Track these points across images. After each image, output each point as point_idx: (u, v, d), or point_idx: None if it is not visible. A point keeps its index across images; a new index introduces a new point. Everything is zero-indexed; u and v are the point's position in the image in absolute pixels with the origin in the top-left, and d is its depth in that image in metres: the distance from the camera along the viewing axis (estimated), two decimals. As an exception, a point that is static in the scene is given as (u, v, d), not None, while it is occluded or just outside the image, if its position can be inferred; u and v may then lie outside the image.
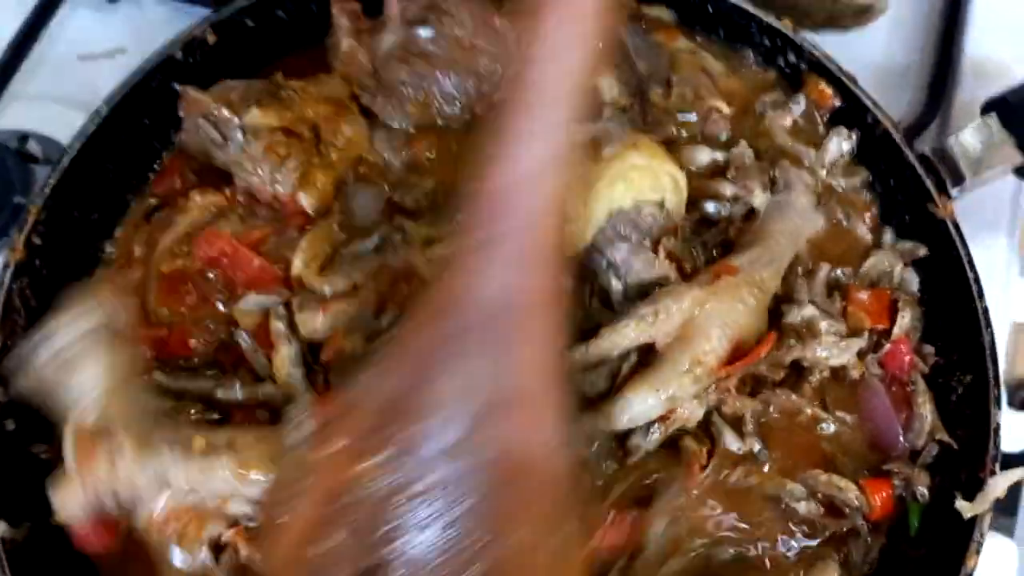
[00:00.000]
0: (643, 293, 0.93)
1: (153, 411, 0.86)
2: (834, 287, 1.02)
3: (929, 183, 0.98)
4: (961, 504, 0.86)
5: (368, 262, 0.94)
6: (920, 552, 0.90)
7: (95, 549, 0.83)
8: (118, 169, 1.06)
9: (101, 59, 1.41)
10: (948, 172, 0.99)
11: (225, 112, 0.98)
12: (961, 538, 0.85)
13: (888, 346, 0.98)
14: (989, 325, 0.91)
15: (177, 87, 1.03)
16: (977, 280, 0.93)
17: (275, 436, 0.85)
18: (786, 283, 0.99)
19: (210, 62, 1.08)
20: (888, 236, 1.06)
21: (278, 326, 0.92)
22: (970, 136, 1.00)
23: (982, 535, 0.84)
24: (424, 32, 1.04)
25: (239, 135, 0.98)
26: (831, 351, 0.95)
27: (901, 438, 0.96)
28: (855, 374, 0.97)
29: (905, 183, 1.01)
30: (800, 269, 1.01)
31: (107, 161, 1.04)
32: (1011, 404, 1.15)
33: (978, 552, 0.83)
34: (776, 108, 1.09)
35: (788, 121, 1.09)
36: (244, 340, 0.95)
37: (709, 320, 0.91)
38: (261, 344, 0.93)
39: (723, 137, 1.08)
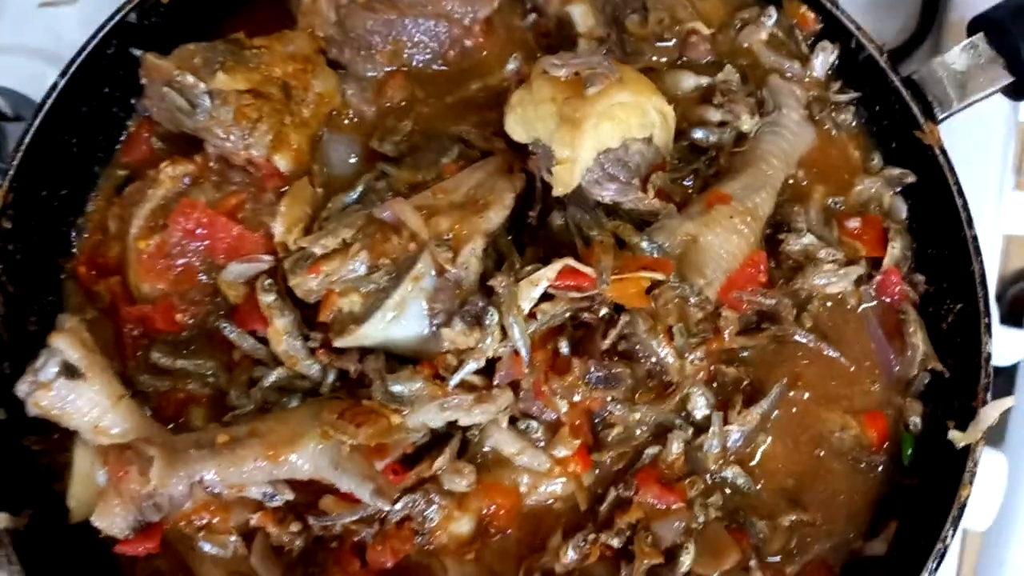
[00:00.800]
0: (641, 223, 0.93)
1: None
2: (829, 215, 1.01)
3: (915, 108, 0.96)
4: (953, 434, 0.87)
5: (354, 215, 0.92)
6: (914, 481, 0.91)
7: (137, 553, 0.83)
8: (82, 142, 1.03)
9: (62, 5, 1.37)
10: (935, 96, 0.97)
11: (190, 78, 0.94)
12: (955, 467, 0.86)
13: (879, 276, 0.98)
14: (979, 253, 0.91)
15: (136, 53, 0.99)
16: (966, 207, 0.92)
17: (295, 416, 0.87)
18: (782, 211, 0.98)
19: (168, 23, 1.04)
20: (876, 159, 1.04)
21: (267, 299, 0.90)
22: (957, 57, 0.97)
23: (975, 464, 0.85)
24: (387, -26, 1.00)
25: (206, 101, 0.94)
26: (830, 279, 0.95)
27: (895, 368, 0.96)
28: (852, 302, 0.97)
29: (891, 108, 0.99)
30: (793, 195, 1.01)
31: (69, 134, 1.01)
32: (1003, 321, 1.16)
33: (971, 482, 0.84)
34: (751, 24, 1.06)
35: (764, 35, 1.06)
36: (230, 331, 0.93)
37: (704, 254, 0.91)
38: (250, 322, 0.93)
39: (705, 61, 1.05)
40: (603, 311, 0.87)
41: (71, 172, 1.02)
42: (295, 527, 0.86)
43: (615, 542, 0.88)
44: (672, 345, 0.88)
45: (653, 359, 0.89)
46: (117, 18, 1.00)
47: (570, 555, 0.88)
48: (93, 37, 1.00)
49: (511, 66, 1.04)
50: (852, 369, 0.96)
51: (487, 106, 1.02)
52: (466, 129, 0.99)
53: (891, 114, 0.99)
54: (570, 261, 0.85)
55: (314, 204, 0.98)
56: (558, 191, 0.90)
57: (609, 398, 0.89)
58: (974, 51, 0.96)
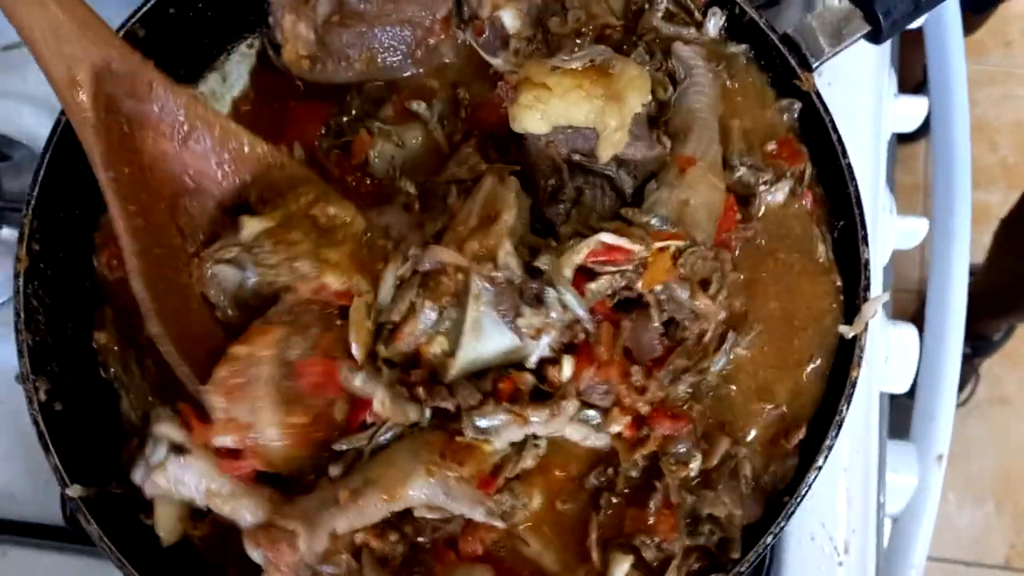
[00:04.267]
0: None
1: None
2: (750, 143, 1.17)
3: (792, 61, 1.13)
4: (843, 328, 1.07)
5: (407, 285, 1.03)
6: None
7: None
8: (87, 169, 1.17)
9: (24, 48, 1.49)
10: (808, 47, 1.14)
11: (235, 250, 1.03)
12: (847, 353, 1.06)
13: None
14: (853, 179, 1.09)
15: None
16: (840, 141, 1.11)
17: (398, 456, 0.98)
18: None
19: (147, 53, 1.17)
20: (770, 93, 1.21)
21: (357, 382, 0.99)
22: (824, 12, 1.15)
23: (861, 350, 1.04)
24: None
25: (249, 261, 1.02)
26: (773, 195, 1.14)
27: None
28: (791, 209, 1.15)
29: (773, 61, 1.17)
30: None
31: (77, 162, 1.15)
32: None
33: (859, 364, 1.04)
34: (648, 6, 1.22)
35: (660, 11, 1.22)
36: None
37: (697, 213, 1.07)
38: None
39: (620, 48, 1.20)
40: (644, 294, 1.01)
41: (82, 194, 1.16)
42: (394, 537, 0.99)
43: (634, 473, 1.04)
44: (707, 297, 1.03)
45: (687, 321, 1.04)
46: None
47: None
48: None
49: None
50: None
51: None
52: (452, 172, 1.12)
53: (775, 66, 1.17)
54: (604, 237, 0.99)
55: (376, 315, 1.03)
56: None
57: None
58: (837, 7, 1.14)
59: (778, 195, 1.14)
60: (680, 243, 1.02)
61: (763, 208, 1.14)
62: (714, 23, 1.21)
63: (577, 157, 1.07)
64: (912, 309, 2.81)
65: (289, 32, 1.16)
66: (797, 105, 1.18)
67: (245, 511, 0.99)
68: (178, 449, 0.99)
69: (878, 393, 1.30)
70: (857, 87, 1.31)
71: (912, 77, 2.40)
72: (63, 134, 1.13)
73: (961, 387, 3.15)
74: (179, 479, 0.98)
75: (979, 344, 3.08)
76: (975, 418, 3.18)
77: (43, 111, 1.46)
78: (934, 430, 1.58)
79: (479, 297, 0.98)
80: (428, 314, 1.00)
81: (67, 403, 1.07)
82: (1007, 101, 3.50)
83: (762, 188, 1.13)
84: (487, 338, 1.00)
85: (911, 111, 1.56)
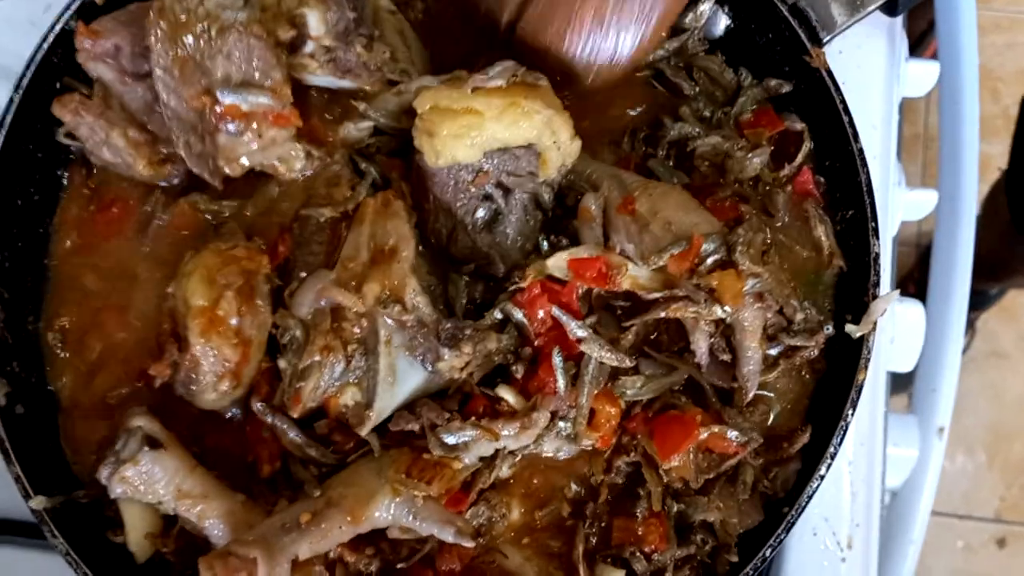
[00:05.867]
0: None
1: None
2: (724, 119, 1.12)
3: (803, 34, 1.05)
4: (850, 327, 1.00)
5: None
6: (823, 366, 1.04)
7: None
8: (44, 149, 1.10)
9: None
10: (819, 19, 1.06)
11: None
12: (854, 355, 1.00)
13: (796, 175, 1.09)
14: (865, 165, 1.02)
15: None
16: (852, 124, 1.03)
17: (360, 475, 0.94)
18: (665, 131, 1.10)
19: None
20: (745, 75, 1.14)
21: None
22: (839, -19, 1.06)
23: (869, 351, 0.99)
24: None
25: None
26: (749, 162, 1.07)
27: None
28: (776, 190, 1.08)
29: (781, 36, 1.08)
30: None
31: (32, 145, 1.08)
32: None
33: (866, 367, 0.98)
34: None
35: None
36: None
37: (681, 218, 0.98)
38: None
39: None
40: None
41: (39, 179, 1.10)
42: (370, 551, 0.96)
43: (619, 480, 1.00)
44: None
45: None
46: (57, 28, 1.06)
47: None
48: (38, 49, 1.06)
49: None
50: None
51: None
52: (303, 214, 1.05)
53: (782, 40, 1.09)
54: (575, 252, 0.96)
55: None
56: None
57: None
58: (854, -27, 1.06)
59: (755, 160, 1.07)
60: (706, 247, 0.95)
61: (744, 172, 1.07)
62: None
63: (509, 179, 1.00)
64: (909, 264, 2.77)
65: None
66: (785, 87, 1.11)
67: (214, 517, 0.95)
68: (152, 443, 0.95)
69: (884, 377, 1.25)
70: (870, 56, 1.23)
71: (915, 29, 2.30)
72: (20, 109, 1.06)
73: (957, 342, 3.13)
74: (150, 474, 0.94)
75: (975, 299, 3.04)
76: (970, 372, 3.15)
77: (3, 78, 1.36)
78: (936, 402, 1.53)
79: (390, 343, 0.94)
80: (334, 366, 0.95)
81: (29, 406, 1.02)
82: (1011, 49, 3.38)
83: (739, 153, 1.07)
84: (405, 381, 0.95)
85: (922, 75, 1.48)
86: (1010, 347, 3.23)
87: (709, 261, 0.95)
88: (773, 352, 0.98)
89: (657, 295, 0.96)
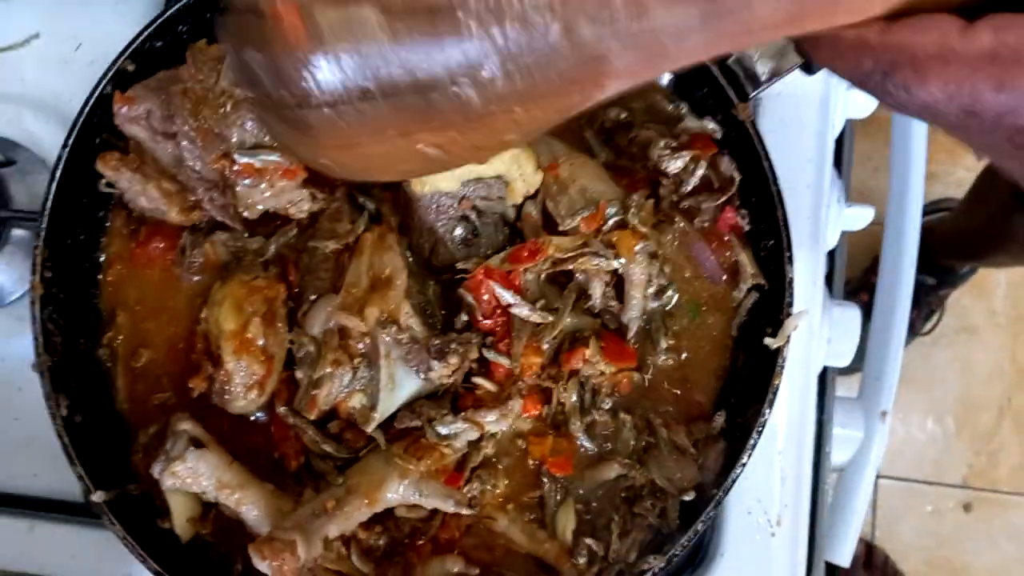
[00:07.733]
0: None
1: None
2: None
3: (730, 91, 1.23)
4: (768, 340, 1.20)
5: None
6: (744, 373, 1.25)
7: None
8: (89, 193, 1.29)
9: (19, 49, 1.57)
10: (747, 78, 1.24)
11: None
12: (770, 364, 1.19)
13: (719, 212, 1.28)
14: (782, 204, 1.20)
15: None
16: (772, 168, 1.21)
17: (371, 464, 1.15)
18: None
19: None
20: (684, 108, 1.33)
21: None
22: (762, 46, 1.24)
23: (783, 360, 1.18)
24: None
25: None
26: (671, 160, 1.25)
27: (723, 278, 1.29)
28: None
29: (714, 89, 1.26)
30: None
31: (80, 189, 1.27)
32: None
33: (780, 374, 1.17)
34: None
35: None
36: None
37: (594, 185, 1.20)
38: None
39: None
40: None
41: (84, 220, 1.29)
42: (378, 529, 1.16)
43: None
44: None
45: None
46: (114, 69, 1.23)
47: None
48: (81, 113, 1.24)
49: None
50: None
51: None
52: (311, 246, 1.24)
53: (715, 94, 1.26)
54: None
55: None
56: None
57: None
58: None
59: (677, 162, 1.25)
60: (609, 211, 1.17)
61: (662, 163, 1.26)
62: None
63: (482, 203, 1.21)
64: (866, 243, 2.92)
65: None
66: (718, 133, 1.29)
67: (249, 503, 1.16)
68: (196, 443, 1.15)
69: (816, 376, 1.43)
70: (808, 94, 1.39)
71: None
72: (68, 163, 1.23)
73: (927, 319, 3.31)
74: (195, 469, 1.13)
75: (945, 277, 3.20)
76: (941, 347, 3.33)
77: (43, 114, 1.52)
78: (880, 389, 1.72)
79: (389, 356, 1.14)
80: (343, 376, 1.15)
81: (86, 415, 1.21)
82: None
83: (663, 148, 1.25)
84: (403, 386, 1.16)
85: (866, 99, 1.65)
86: (980, 322, 3.40)
87: (611, 222, 1.19)
88: (654, 305, 1.22)
89: (572, 254, 1.18)
